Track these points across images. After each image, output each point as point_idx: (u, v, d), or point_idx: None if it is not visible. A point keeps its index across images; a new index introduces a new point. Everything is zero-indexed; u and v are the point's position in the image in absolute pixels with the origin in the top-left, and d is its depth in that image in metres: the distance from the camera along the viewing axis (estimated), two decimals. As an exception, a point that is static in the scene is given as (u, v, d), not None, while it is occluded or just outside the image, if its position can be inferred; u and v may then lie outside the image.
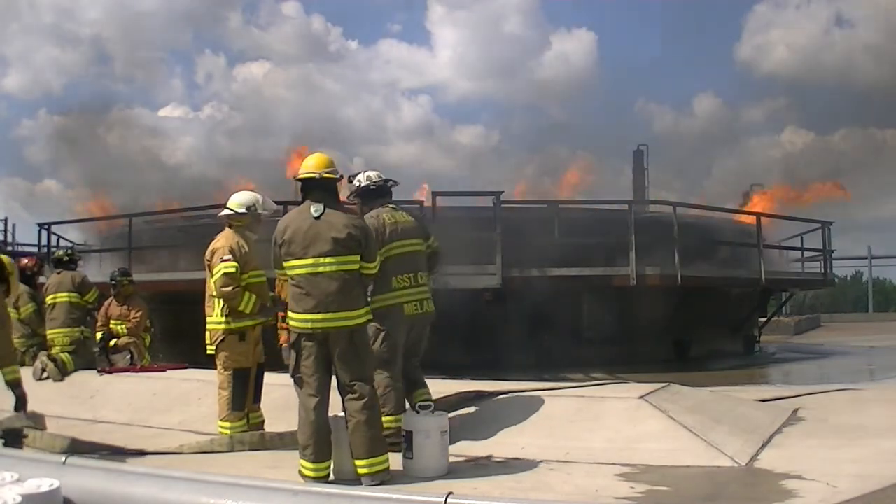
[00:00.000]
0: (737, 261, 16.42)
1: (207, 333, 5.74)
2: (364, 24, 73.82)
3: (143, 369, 8.03)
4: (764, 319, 18.49)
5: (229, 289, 5.49)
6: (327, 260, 4.54)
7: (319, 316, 4.50)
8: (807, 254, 18.18)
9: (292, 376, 4.63)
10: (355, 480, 4.39)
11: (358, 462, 4.43)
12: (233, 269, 5.51)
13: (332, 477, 4.50)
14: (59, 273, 8.74)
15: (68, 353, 7.98)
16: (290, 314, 4.63)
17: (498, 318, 12.76)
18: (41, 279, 9.32)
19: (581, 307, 14.00)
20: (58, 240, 17.11)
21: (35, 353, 8.21)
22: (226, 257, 5.54)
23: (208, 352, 5.76)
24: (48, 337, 8.23)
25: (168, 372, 7.62)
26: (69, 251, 10.50)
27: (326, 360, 4.55)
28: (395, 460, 4.61)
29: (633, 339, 13.84)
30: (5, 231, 24.29)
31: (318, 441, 4.44)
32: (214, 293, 5.64)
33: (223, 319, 5.59)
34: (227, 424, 5.52)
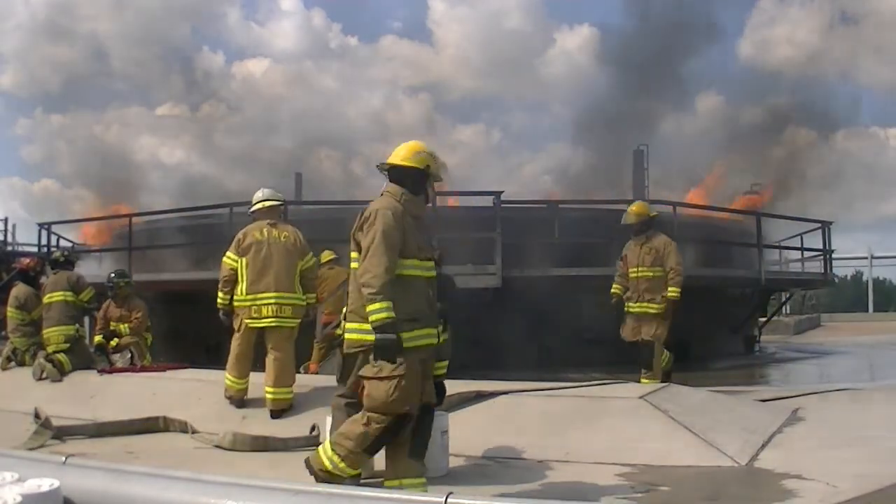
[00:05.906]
0: (736, 260, 16.42)
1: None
2: (364, 21, 73.61)
3: (143, 369, 8.02)
4: (764, 319, 18.48)
5: None
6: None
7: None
8: (807, 254, 18.17)
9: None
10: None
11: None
12: None
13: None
14: (55, 273, 8.81)
15: (64, 351, 7.99)
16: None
17: (498, 318, 12.74)
18: (43, 279, 9.35)
19: (581, 307, 13.98)
20: (58, 240, 17.09)
21: (35, 352, 8.25)
22: None
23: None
24: (44, 336, 8.25)
25: (168, 372, 7.61)
26: (66, 252, 10.54)
27: None
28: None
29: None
30: (5, 231, 24.26)
31: None
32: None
33: None
34: None
